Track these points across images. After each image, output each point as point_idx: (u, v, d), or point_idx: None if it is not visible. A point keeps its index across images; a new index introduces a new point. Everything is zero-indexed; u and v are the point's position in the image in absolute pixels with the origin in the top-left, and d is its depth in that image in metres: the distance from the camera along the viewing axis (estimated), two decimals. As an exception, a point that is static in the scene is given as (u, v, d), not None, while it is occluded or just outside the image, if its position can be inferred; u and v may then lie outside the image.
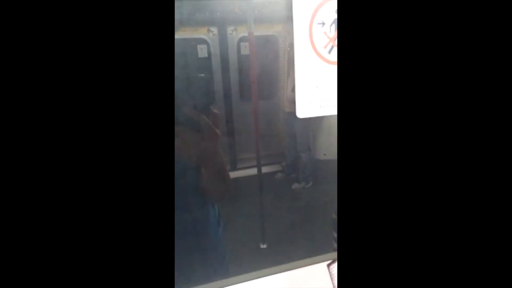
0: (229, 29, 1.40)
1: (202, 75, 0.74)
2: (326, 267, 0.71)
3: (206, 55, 1.30)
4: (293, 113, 1.56)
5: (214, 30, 1.35)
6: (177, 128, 0.70)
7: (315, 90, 0.77)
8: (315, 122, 1.49)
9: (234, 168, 1.41)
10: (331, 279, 0.71)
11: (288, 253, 0.78)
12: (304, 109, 0.77)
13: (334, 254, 0.79)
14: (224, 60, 1.38)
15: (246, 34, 1.38)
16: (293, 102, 1.50)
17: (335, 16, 0.68)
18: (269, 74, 1.33)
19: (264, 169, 1.37)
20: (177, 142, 0.70)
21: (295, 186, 1.63)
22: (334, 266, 0.71)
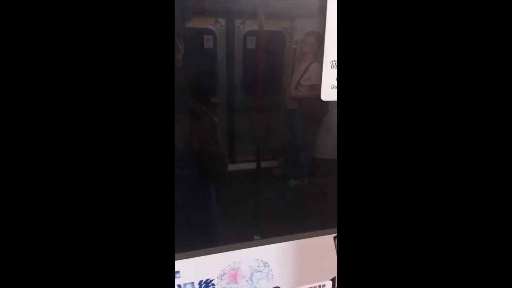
0: (237, 22, 1.39)
1: (203, 66, 0.76)
2: (332, 240, 0.74)
3: (212, 46, 1.30)
4: (295, 110, 1.55)
5: (222, 21, 1.35)
6: (177, 115, 0.72)
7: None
8: (315, 121, 1.50)
9: (232, 161, 1.42)
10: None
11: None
12: (328, 93, 0.82)
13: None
14: (230, 52, 1.38)
15: (253, 28, 1.37)
16: (295, 99, 1.50)
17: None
18: (273, 70, 1.33)
19: (262, 164, 1.38)
20: (177, 128, 0.73)
21: (292, 182, 1.64)
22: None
